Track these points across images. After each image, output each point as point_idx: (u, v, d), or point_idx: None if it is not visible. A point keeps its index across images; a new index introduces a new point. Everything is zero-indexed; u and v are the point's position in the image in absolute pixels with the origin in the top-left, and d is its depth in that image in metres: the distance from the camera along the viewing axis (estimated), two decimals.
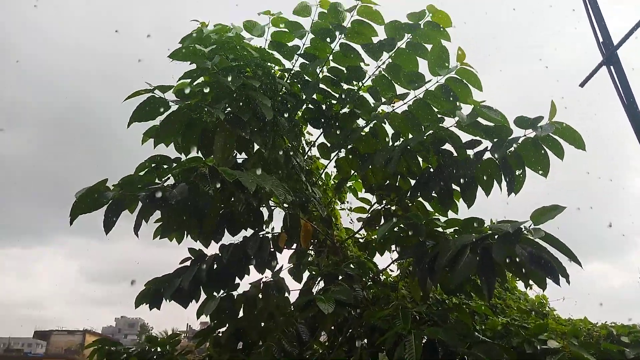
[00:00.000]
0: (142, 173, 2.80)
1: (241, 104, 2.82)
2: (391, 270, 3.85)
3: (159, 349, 3.53)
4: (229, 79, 2.67)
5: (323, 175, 4.15)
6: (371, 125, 3.48)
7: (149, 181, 2.59)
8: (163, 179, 2.69)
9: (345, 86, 3.60)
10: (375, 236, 3.63)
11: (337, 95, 3.64)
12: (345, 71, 3.52)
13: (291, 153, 3.45)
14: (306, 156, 4.00)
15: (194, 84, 3.05)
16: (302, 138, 3.98)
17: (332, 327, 3.29)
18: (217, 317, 3.28)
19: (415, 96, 3.17)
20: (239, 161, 3.33)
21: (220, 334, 3.43)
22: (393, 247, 3.46)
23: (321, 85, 3.59)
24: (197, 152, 3.03)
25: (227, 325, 3.34)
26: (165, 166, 2.87)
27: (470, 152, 2.92)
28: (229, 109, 2.79)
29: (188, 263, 3.34)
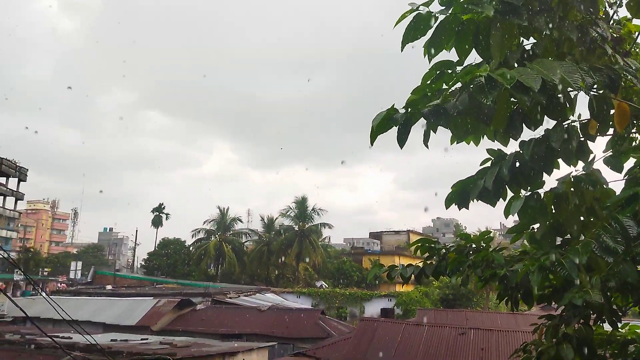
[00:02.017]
0: (428, 82, 2.87)
1: None
2: None
3: (473, 245, 3.72)
4: None
5: (639, 40, 3.35)
6: None
7: (437, 88, 2.62)
8: (450, 84, 2.69)
9: None
10: None
11: None
12: None
13: (589, 24, 2.90)
14: (611, 21, 3.29)
15: None
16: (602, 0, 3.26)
17: None
18: (525, 216, 3.20)
19: None
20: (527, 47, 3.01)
21: (535, 230, 3.35)
22: None
23: None
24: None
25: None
26: (449, 71, 2.85)
27: None
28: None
29: (489, 164, 3.32)
